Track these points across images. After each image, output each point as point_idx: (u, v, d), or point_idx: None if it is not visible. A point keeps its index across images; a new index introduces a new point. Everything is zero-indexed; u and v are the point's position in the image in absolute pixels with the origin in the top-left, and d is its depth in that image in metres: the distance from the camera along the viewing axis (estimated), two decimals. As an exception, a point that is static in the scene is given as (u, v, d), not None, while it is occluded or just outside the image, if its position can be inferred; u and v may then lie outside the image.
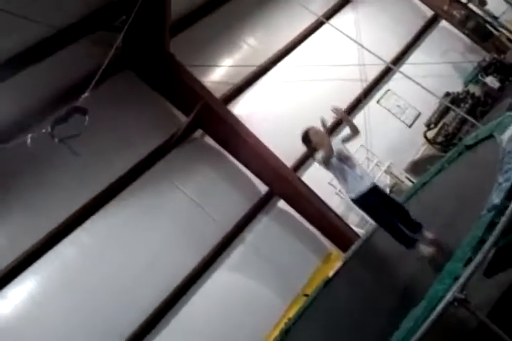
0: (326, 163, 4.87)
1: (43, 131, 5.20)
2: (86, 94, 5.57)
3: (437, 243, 4.59)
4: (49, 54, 7.40)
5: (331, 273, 6.18)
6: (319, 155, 4.94)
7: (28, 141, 5.22)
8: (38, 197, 7.61)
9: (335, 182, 9.11)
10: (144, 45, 8.91)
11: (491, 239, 3.53)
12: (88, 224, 7.94)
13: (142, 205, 8.52)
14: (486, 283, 3.77)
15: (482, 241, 3.55)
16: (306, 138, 5.13)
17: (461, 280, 3.36)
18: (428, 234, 4.78)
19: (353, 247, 6.57)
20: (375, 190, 4.90)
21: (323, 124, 4.95)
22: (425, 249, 4.55)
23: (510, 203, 3.70)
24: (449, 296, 3.29)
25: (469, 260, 3.48)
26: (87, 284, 7.57)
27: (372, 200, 4.81)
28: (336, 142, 5.03)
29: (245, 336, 8.09)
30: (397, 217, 4.91)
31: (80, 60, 7.99)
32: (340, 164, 4.87)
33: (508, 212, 3.66)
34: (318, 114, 11.56)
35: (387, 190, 9.97)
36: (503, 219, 3.64)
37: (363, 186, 4.82)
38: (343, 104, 11.28)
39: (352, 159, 5.02)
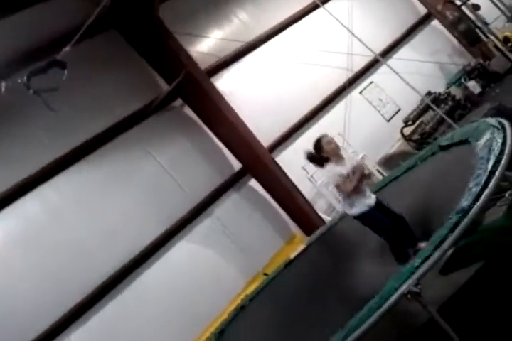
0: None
1: (19, 80, 5.03)
2: (67, 49, 5.40)
3: None
4: (36, 2, 7.13)
5: (292, 255, 6.27)
6: (333, 168, 4.86)
7: (3, 89, 5.06)
8: (6, 147, 7.44)
9: (308, 167, 9.22)
10: (133, 6, 8.69)
11: (452, 238, 3.62)
12: (55, 181, 7.83)
13: (113, 168, 8.43)
14: (441, 280, 3.89)
15: (443, 240, 3.63)
16: (317, 145, 5.01)
17: (417, 274, 3.45)
18: (422, 246, 4.68)
19: (317, 232, 6.66)
20: (376, 206, 4.90)
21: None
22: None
23: (475, 205, 3.78)
24: (403, 288, 3.38)
25: (428, 256, 3.56)
26: (48, 241, 7.49)
27: (374, 216, 4.81)
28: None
29: (202, 308, 8.14)
30: (398, 229, 4.90)
31: (66, 13, 7.75)
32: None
33: (470, 213, 3.74)
34: (301, 97, 11.49)
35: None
36: (465, 220, 3.72)
37: (366, 206, 4.80)
38: (327, 91, 11.30)
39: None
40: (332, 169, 4.88)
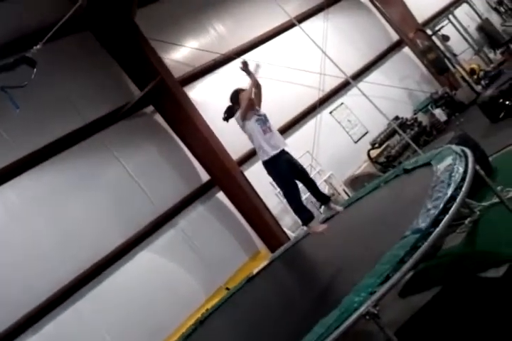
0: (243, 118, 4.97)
1: (-15, 75, 4.89)
2: (38, 46, 5.27)
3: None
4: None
5: (255, 271, 6.22)
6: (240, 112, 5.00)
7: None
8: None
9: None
10: (110, 8, 8.61)
11: (411, 261, 3.64)
12: (17, 181, 7.63)
13: (77, 172, 8.26)
14: (399, 303, 3.91)
15: (402, 262, 3.64)
16: (235, 97, 5.20)
17: (376, 295, 3.45)
18: (335, 207, 5.13)
19: (282, 248, 6.65)
20: (288, 158, 5.00)
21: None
22: (317, 227, 4.85)
23: (435, 230, 3.82)
24: (362, 309, 3.37)
25: (387, 277, 3.57)
26: (4, 243, 7.27)
27: (282, 167, 4.88)
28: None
29: (161, 320, 7.98)
30: (308, 188, 5.13)
31: (40, 9, 7.65)
32: (259, 125, 4.96)
33: (431, 238, 3.78)
34: (272, 113, 11.57)
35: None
36: (426, 244, 3.76)
37: (278, 149, 4.88)
38: (298, 109, 11.42)
39: (271, 124, 5.09)
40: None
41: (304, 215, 4.91)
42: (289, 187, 4.94)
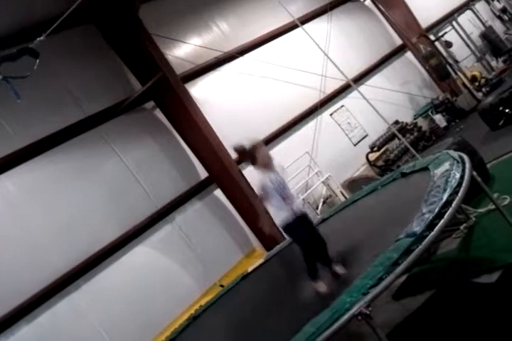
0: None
1: (-13, 65, 4.88)
2: (42, 38, 5.27)
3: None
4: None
5: (250, 269, 6.24)
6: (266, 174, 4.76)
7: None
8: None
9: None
10: (114, 3, 8.63)
11: (405, 264, 3.65)
12: (15, 172, 7.61)
13: (76, 164, 8.24)
14: (392, 306, 3.91)
15: (395, 264, 3.65)
16: (254, 149, 4.74)
17: (369, 296, 3.46)
18: (337, 269, 4.63)
19: (277, 247, 6.67)
20: (302, 219, 4.89)
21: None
22: (319, 286, 4.57)
23: (429, 234, 3.83)
24: (354, 309, 3.38)
25: (380, 279, 3.58)
26: (0, 232, 7.23)
27: (297, 228, 4.82)
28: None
29: (154, 315, 7.96)
30: (316, 247, 4.85)
31: (46, 1, 7.59)
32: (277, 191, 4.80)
33: (425, 241, 3.79)
34: (273, 113, 11.52)
35: (321, 203, 10.22)
36: (420, 248, 3.77)
37: (291, 216, 4.81)
38: (299, 109, 11.43)
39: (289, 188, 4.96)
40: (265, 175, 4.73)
41: (313, 275, 4.70)
42: (307, 249, 4.85)
